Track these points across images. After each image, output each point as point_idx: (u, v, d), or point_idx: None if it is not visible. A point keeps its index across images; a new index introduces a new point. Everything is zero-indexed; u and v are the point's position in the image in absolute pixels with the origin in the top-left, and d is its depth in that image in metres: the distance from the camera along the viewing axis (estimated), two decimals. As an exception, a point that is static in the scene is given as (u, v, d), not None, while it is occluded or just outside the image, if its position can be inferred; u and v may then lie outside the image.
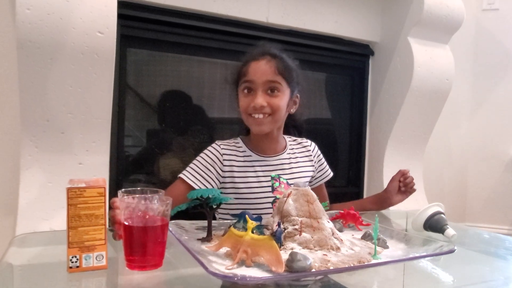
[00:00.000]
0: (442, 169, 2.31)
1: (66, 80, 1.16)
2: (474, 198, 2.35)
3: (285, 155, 1.23)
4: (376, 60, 1.99)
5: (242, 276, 0.61)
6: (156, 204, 0.72)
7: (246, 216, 0.72)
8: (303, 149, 1.29)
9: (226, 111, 1.69)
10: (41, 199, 1.16)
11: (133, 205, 0.70)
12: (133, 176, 1.52)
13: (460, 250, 0.87)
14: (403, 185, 1.29)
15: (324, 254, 0.71)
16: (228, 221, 0.93)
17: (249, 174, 1.17)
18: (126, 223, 0.69)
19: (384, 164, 1.88)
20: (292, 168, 1.23)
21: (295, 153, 1.27)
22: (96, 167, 1.25)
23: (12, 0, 1.13)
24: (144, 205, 0.71)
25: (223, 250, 0.73)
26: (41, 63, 1.12)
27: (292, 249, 0.71)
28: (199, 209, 0.83)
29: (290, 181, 1.20)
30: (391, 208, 1.35)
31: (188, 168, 1.14)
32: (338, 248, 0.75)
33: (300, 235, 0.75)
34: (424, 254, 0.77)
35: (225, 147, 1.18)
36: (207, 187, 1.12)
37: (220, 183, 1.16)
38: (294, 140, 1.30)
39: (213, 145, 1.18)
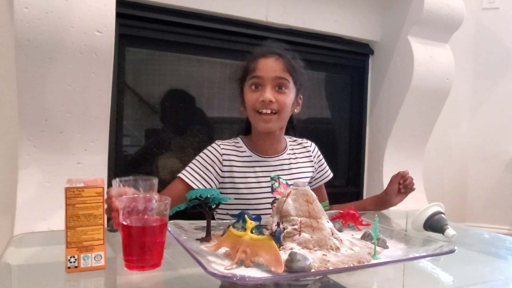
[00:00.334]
0: (442, 168, 2.31)
1: (64, 79, 1.16)
2: (474, 198, 2.35)
3: (285, 156, 1.23)
4: (376, 59, 1.99)
5: (241, 276, 0.61)
6: (155, 204, 0.72)
7: (245, 216, 0.72)
8: (303, 150, 1.29)
9: (225, 110, 1.69)
10: (39, 199, 1.16)
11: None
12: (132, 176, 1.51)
13: (460, 250, 0.87)
14: (402, 187, 1.28)
15: (323, 254, 0.71)
16: (227, 221, 0.93)
17: (248, 174, 1.17)
18: (125, 223, 0.69)
19: (384, 163, 1.87)
20: (292, 168, 1.23)
21: (295, 153, 1.26)
22: (94, 166, 1.25)
23: (10, -1, 1.12)
24: (143, 205, 0.70)
25: (222, 250, 0.73)
26: (39, 62, 1.12)
27: (291, 249, 0.71)
28: (198, 209, 0.82)
29: (289, 182, 1.20)
30: (391, 208, 1.35)
31: (187, 168, 1.14)
32: (337, 248, 0.74)
33: (299, 235, 0.74)
34: (424, 254, 0.77)
35: (225, 147, 1.18)
36: (206, 187, 1.11)
37: (220, 183, 1.16)
38: (295, 141, 1.30)
39: (213, 144, 1.18)
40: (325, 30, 1.79)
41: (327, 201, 1.28)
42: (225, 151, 1.16)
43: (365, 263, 0.70)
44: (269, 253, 0.63)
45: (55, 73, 1.15)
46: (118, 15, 1.24)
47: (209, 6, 1.52)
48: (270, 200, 1.16)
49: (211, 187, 1.13)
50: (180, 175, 1.13)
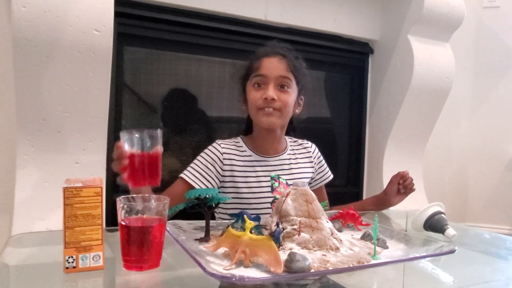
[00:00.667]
0: (443, 168, 2.30)
1: (62, 79, 1.16)
2: (474, 197, 2.34)
3: (285, 156, 1.23)
4: (375, 58, 1.98)
5: (240, 276, 0.60)
6: (154, 204, 0.72)
7: (245, 216, 0.72)
8: (304, 150, 1.29)
9: (224, 110, 1.68)
10: (37, 199, 1.15)
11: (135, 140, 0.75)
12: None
13: (461, 250, 0.87)
14: (402, 187, 1.28)
15: (323, 255, 0.71)
16: (226, 221, 0.93)
17: (249, 174, 1.17)
18: (123, 223, 0.68)
19: (384, 163, 1.87)
20: (292, 169, 1.23)
21: (295, 154, 1.27)
22: (92, 166, 1.24)
23: (8, -3, 1.12)
24: (142, 205, 0.70)
25: (221, 250, 0.72)
26: (37, 61, 1.12)
27: (291, 249, 0.71)
28: (197, 208, 0.82)
29: (289, 182, 1.20)
30: (391, 208, 1.34)
31: (188, 168, 1.15)
32: (337, 248, 0.74)
33: (299, 235, 0.74)
34: (424, 254, 0.77)
35: (225, 146, 1.18)
36: (207, 186, 1.12)
37: (220, 182, 1.16)
38: (295, 141, 1.30)
39: (214, 144, 1.19)
40: (325, 29, 1.79)
41: (327, 201, 1.28)
42: (226, 150, 1.17)
43: (365, 263, 0.69)
44: (268, 253, 0.63)
45: (53, 72, 1.14)
46: (117, 14, 1.24)
47: (207, 5, 1.52)
48: (270, 199, 1.16)
49: (212, 186, 1.14)
50: (182, 175, 1.14)
